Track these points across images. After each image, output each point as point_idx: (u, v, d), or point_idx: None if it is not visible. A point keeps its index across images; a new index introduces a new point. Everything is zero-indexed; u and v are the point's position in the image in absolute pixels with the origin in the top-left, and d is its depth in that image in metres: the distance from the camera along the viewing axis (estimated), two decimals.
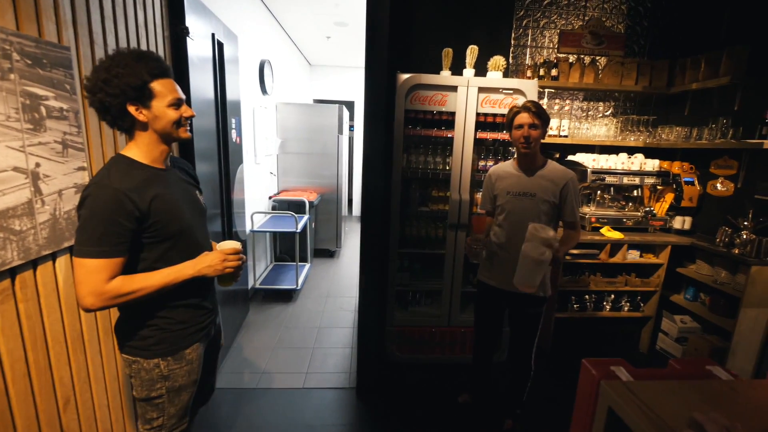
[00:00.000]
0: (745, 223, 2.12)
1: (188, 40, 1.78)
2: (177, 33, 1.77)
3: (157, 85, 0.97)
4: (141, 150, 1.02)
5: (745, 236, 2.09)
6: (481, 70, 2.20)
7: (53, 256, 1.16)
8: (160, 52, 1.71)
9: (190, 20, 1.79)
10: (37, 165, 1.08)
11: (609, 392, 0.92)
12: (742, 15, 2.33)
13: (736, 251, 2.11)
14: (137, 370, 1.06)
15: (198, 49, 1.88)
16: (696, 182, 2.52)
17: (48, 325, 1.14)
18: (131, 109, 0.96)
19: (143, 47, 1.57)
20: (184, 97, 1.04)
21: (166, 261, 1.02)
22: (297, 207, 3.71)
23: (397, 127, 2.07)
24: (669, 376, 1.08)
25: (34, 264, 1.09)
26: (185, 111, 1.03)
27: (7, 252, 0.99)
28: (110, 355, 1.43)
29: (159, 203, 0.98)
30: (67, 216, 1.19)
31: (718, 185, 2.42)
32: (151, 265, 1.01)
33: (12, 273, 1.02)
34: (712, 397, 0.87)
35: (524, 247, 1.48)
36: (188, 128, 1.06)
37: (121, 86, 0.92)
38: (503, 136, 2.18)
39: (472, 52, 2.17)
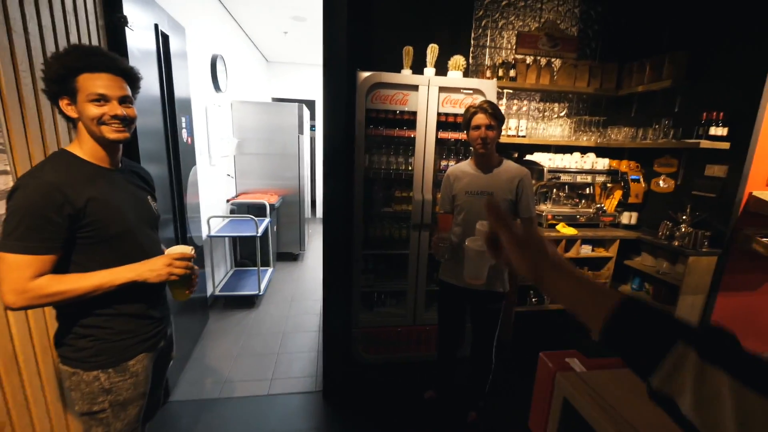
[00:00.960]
0: (684, 217, 2.33)
1: (127, 30, 1.68)
2: (114, 22, 1.66)
3: (81, 79, 0.94)
4: (83, 147, 1.00)
5: (683, 229, 2.30)
6: (441, 69, 2.26)
7: None
8: (94, 42, 1.59)
9: (129, 8, 1.69)
10: None
11: (564, 384, 1.00)
12: (683, 22, 2.53)
13: (676, 243, 2.31)
14: (77, 382, 1.02)
15: (139, 40, 1.78)
16: (641, 180, 2.74)
17: None
18: (62, 103, 0.95)
19: (73, 37, 1.45)
20: (121, 94, 0.98)
21: (102, 264, 0.99)
22: (257, 210, 3.63)
23: (359, 127, 2.08)
24: (617, 365, 1.16)
25: None
26: (111, 109, 0.96)
27: None
28: (50, 375, 1.35)
29: (97, 202, 0.96)
30: None
31: (661, 182, 2.65)
32: (85, 267, 0.97)
33: None
34: None
35: (467, 241, 1.57)
36: (119, 128, 0.99)
37: (47, 79, 0.93)
38: (464, 136, 2.25)
39: (432, 51, 2.21)
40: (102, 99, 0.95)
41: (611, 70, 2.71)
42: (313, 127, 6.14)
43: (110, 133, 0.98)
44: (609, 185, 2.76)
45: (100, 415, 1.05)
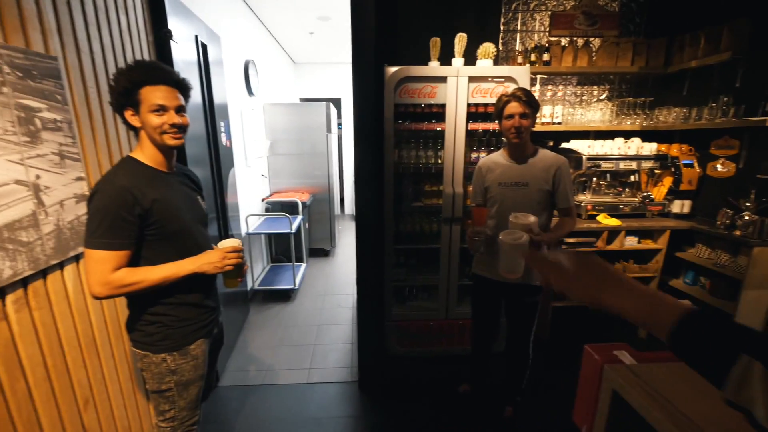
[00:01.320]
0: (747, 204, 2.17)
1: (172, 43, 1.86)
2: (160, 36, 1.85)
3: (143, 92, 1.08)
4: (145, 153, 1.15)
5: (747, 217, 2.14)
6: (470, 58, 2.26)
7: (61, 266, 1.27)
8: (146, 57, 1.79)
9: (173, 23, 1.87)
10: (38, 177, 1.17)
11: (613, 376, 0.98)
12: None
13: (738, 233, 2.16)
14: (147, 363, 1.20)
15: (182, 52, 1.96)
16: (695, 164, 2.58)
17: (62, 331, 1.27)
18: (127, 114, 1.10)
19: (128, 53, 1.65)
20: (177, 104, 1.12)
21: (166, 258, 1.14)
22: (290, 208, 3.83)
23: (387, 123, 2.14)
24: (672, 358, 1.13)
25: (44, 273, 1.20)
26: (170, 118, 1.10)
27: (17, 263, 1.10)
28: (122, 357, 1.57)
29: (160, 203, 1.10)
30: (70, 226, 1.30)
31: (719, 166, 2.48)
32: (153, 261, 1.13)
33: (24, 283, 1.14)
34: None
35: (501, 235, 1.59)
36: (176, 136, 1.13)
37: (114, 92, 1.08)
38: (495, 126, 2.24)
39: (460, 41, 2.22)
40: (161, 109, 1.09)
41: (659, 46, 2.56)
42: (339, 125, 6.29)
43: (170, 140, 1.12)
44: (657, 171, 2.64)
45: (167, 393, 1.23)
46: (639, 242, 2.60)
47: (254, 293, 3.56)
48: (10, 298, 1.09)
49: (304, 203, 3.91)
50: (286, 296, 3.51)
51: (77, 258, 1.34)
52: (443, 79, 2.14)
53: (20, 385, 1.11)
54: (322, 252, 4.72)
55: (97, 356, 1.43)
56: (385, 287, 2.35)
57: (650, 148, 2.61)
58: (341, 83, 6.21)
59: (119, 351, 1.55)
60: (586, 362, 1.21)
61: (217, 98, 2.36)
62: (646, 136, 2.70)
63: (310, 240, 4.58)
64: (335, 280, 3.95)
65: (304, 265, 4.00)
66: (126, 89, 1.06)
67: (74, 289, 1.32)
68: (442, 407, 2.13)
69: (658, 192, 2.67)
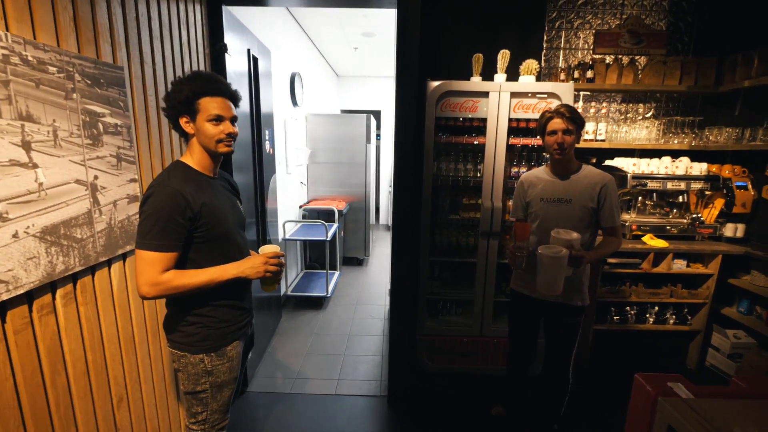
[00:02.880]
0: None
1: (226, 56, 1.87)
2: (216, 50, 1.86)
3: (202, 102, 1.06)
4: (194, 158, 1.12)
5: None
6: (512, 74, 2.16)
7: (108, 263, 1.24)
8: (202, 68, 1.80)
9: (228, 37, 1.88)
10: (95, 177, 1.16)
11: (669, 410, 0.88)
12: None
13: None
14: (185, 364, 1.13)
15: (235, 64, 1.97)
16: (750, 186, 2.33)
17: (104, 328, 1.22)
18: (182, 121, 1.08)
19: (186, 64, 1.66)
20: (231, 115, 1.11)
21: (211, 261, 1.10)
22: (326, 216, 3.78)
23: (428, 135, 2.06)
24: (733, 394, 1.00)
25: (92, 270, 1.17)
26: (226, 128, 1.09)
27: (70, 258, 1.06)
28: (158, 356, 1.51)
29: (208, 207, 1.07)
30: (120, 225, 1.27)
31: None
32: (199, 263, 1.09)
33: (74, 278, 1.10)
34: None
35: (539, 248, 1.44)
36: (229, 144, 1.12)
37: (172, 100, 1.06)
38: (537, 141, 2.12)
39: (503, 57, 2.13)
40: (218, 119, 1.08)
41: (708, 65, 2.37)
42: (378, 137, 6.28)
43: (223, 148, 1.11)
44: (707, 193, 2.39)
45: (201, 394, 1.16)
46: (688, 266, 2.33)
47: (287, 299, 3.49)
48: (60, 293, 1.05)
49: (340, 211, 3.85)
50: (318, 304, 3.42)
51: (124, 256, 1.30)
52: (485, 94, 2.05)
53: (61, 380, 1.06)
54: (355, 261, 4.62)
55: (134, 354, 1.37)
56: (418, 300, 2.21)
57: (700, 168, 2.37)
58: (381, 96, 6.22)
59: (155, 350, 1.49)
60: (637, 392, 1.09)
61: (264, 108, 2.35)
62: (694, 155, 2.46)
63: (345, 248, 4.50)
64: (368, 290, 3.82)
65: (337, 273, 3.91)
66: (187, 98, 1.05)
67: (119, 287, 1.28)
68: (473, 430, 1.94)
69: (709, 214, 2.41)
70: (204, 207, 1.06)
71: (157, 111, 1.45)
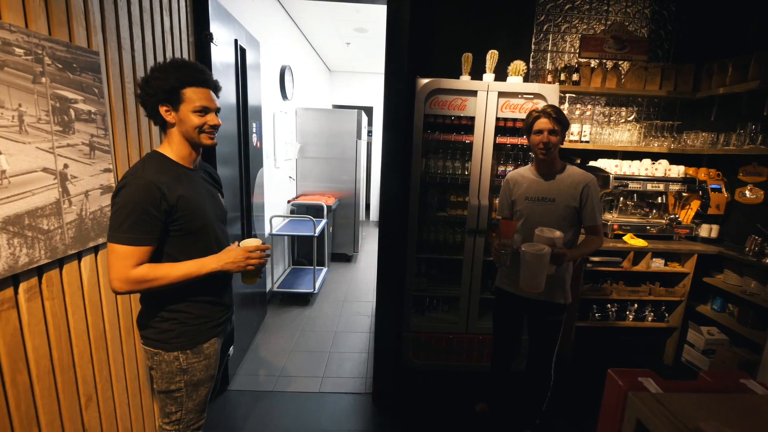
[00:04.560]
0: None
1: (212, 45, 1.78)
2: (201, 39, 1.78)
3: (188, 92, 1.01)
4: (172, 148, 1.06)
5: None
6: (501, 74, 2.14)
7: (79, 256, 1.15)
8: (185, 57, 1.71)
9: (214, 26, 1.80)
10: (65, 166, 1.08)
11: (637, 404, 0.88)
12: None
13: (767, 261, 1.97)
14: (158, 362, 1.07)
15: (221, 54, 1.88)
16: (723, 189, 2.39)
17: (72, 324, 1.13)
18: (162, 109, 1.02)
19: (168, 52, 1.58)
20: (215, 106, 1.06)
21: (188, 255, 1.04)
22: (315, 211, 3.70)
23: (416, 132, 2.02)
24: (700, 388, 1.01)
25: (60, 263, 1.08)
26: (210, 119, 1.05)
27: (35, 251, 0.98)
28: (131, 353, 1.42)
29: (185, 199, 1.01)
30: (92, 216, 1.18)
31: (747, 192, 2.28)
32: (175, 257, 1.03)
33: (39, 271, 1.02)
34: (747, 412, 0.82)
35: (523, 246, 1.44)
36: (212, 136, 1.07)
37: (154, 88, 1.00)
38: (523, 141, 2.11)
39: (492, 57, 2.11)
40: (204, 111, 1.03)
41: (687, 72, 2.41)
42: (369, 133, 6.21)
43: (206, 139, 1.07)
44: (685, 194, 2.42)
45: (176, 393, 1.10)
46: (666, 264, 2.37)
47: (273, 295, 3.40)
48: (23, 287, 0.97)
49: (329, 207, 3.77)
50: (305, 300, 3.34)
51: (96, 249, 1.22)
52: (473, 93, 2.02)
53: (22, 378, 0.97)
54: (344, 257, 4.54)
55: (105, 351, 1.28)
56: (405, 296, 2.17)
57: (678, 170, 2.41)
58: (374, 92, 6.15)
59: (129, 347, 1.40)
60: (609, 388, 1.08)
61: (252, 100, 2.27)
62: (673, 158, 2.50)
63: (333, 244, 4.42)
64: (355, 287, 3.75)
65: (325, 270, 3.82)
66: (173, 87, 0.99)
67: (90, 281, 1.19)
68: (458, 426, 1.91)
69: (686, 215, 2.45)
70: (181, 199, 1.00)
71: (136, 99, 1.37)
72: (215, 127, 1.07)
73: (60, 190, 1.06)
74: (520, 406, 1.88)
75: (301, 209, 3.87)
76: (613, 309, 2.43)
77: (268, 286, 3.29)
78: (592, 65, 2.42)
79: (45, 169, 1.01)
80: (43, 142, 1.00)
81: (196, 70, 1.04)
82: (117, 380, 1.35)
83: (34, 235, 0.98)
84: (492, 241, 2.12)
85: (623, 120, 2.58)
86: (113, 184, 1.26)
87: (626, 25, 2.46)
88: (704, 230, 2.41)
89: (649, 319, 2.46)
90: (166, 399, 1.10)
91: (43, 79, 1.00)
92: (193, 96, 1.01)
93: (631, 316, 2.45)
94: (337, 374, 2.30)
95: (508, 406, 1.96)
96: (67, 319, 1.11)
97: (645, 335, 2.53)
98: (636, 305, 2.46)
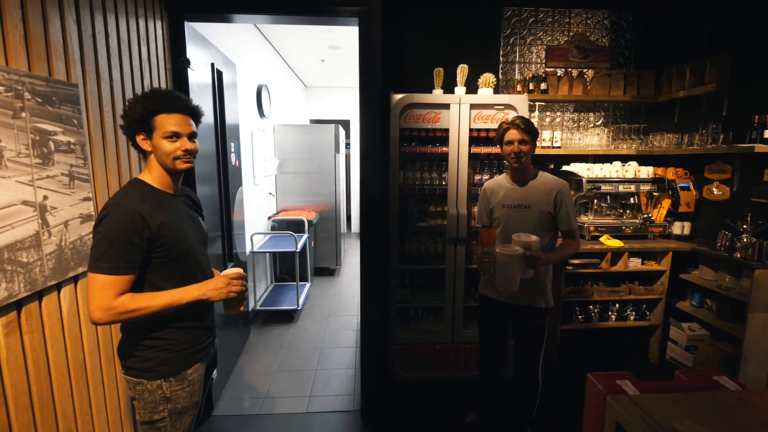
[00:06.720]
0: (744, 226, 2.12)
1: (189, 70, 1.86)
2: (178, 65, 1.85)
3: (158, 119, 1.05)
4: (153, 175, 1.10)
5: (745, 240, 2.09)
6: (471, 87, 2.28)
7: (58, 287, 1.19)
8: (162, 84, 1.78)
9: (191, 51, 1.88)
10: (45, 198, 1.12)
11: (616, 407, 0.92)
12: (723, 23, 2.42)
13: (738, 255, 2.09)
14: (141, 391, 1.08)
15: (198, 77, 1.96)
16: (692, 187, 2.56)
17: (52, 357, 1.16)
18: (138, 138, 1.07)
19: (146, 80, 1.64)
20: (189, 131, 1.09)
21: (170, 282, 1.07)
22: (296, 226, 3.76)
23: (393, 146, 2.13)
24: (676, 388, 1.08)
25: (39, 295, 1.12)
26: (183, 144, 1.07)
27: (14, 284, 1.02)
28: (112, 384, 1.44)
29: (167, 226, 1.04)
30: (72, 246, 1.23)
31: (714, 189, 2.45)
32: (157, 285, 1.06)
33: (18, 305, 1.05)
34: (719, 408, 0.87)
35: (497, 248, 1.55)
36: (188, 160, 1.10)
37: (128, 118, 1.05)
38: (497, 150, 2.21)
39: (462, 71, 2.25)
40: (175, 136, 1.06)
41: (648, 77, 2.61)
42: (348, 145, 6.33)
43: (181, 164, 1.09)
44: (656, 194, 2.59)
45: (159, 423, 1.10)
46: (643, 263, 2.51)
47: (256, 314, 3.41)
48: (1, 321, 1.00)
49: (310, 221, 3.84)
50: (288, 317, 3.37)
51: (76, 279, 1.26)
52: (446, 106, 2.15)
53: (0, 417, 0.99)
54: (327, 271, 4.59)
55: (86, 383, 1.30)
56: (389, 309, 2.24)
57: (647, 171, 2.59)
58: (350, 105, 6.31)
59: (110, 378, 1.42)
60: (590, 392, 1.15)
61: (229, 120, 2.35)
62: (642, 159, 2.69)
63: (316, 258, 4.48)
64: (340, 301, 3.80)
65: (308, 285, 3.87)
66: (141, 116, 1.04)
67: (69, 312, 1.22)
68: None
69: (658, 213, 2.61)
70: (163, 226, 1.03)
71: (115, 128, 1.43)
72: (190, 152, 1.09)
73: (39, 221, 1.10)
74: (509, 414, 1.94)
75: (281, 225, 3.92)
76: (595, 310, 2.55)
77: (251, 305, 3.31)
78: (559, 74, 2.60)
79: (24, 202, 1.05)
80: (23, 176, 1.05)
81: (166, 96, 1.07)
82: (98, 412, 1.36)
83: (14, 268, 1.02)
84: (474, 250, 2.22)
85: (592, 125, 2.76)
86: (93, 213, 1.30)
87: (588, 35, 2.67)
88: (677, 228, 2.57)
89: (631, 318, 2.59)
90: (149, 429, 1.10)
91: (23, 114, 1.05)
92: (163, 123, 1.04)
93: (613, 316, 2.58)
94: (324, 393, 2.33)
95: (498, 415, 2.01)
96: (47, 353, 1.14)
97: (629, 335, 2.65)
98: (617, 305, 2.58)
